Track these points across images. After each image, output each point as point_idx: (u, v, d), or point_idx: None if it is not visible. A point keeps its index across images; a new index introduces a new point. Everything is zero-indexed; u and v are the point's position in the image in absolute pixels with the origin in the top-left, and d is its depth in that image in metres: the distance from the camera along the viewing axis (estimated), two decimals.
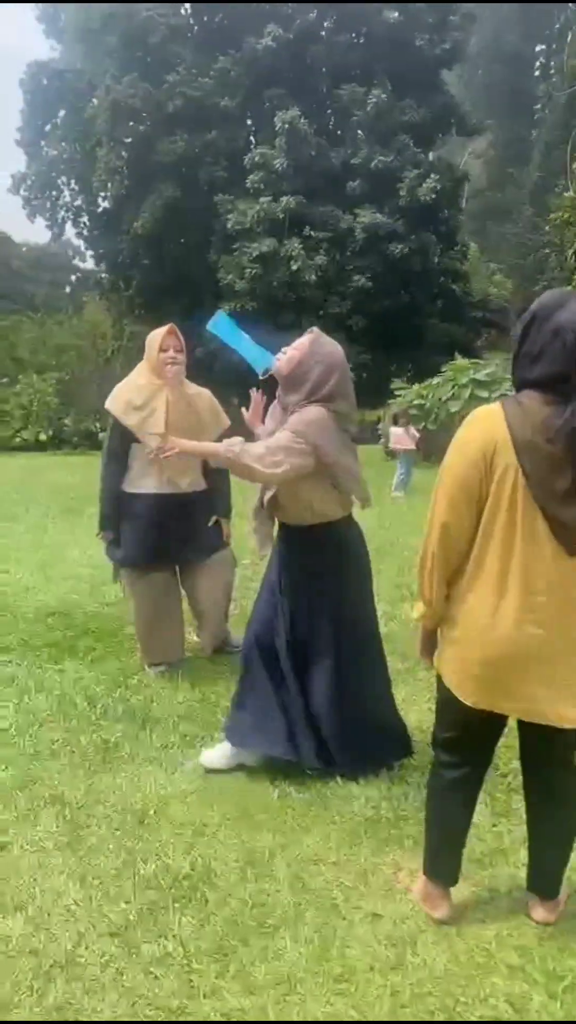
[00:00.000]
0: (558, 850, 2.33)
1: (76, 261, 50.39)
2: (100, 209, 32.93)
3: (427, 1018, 2.01)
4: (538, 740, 2.21)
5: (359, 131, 28.91)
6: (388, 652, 4.77)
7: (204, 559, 4.35)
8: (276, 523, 3.36)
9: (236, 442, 3.07)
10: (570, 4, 35.33)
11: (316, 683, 3.25)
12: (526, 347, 2.04)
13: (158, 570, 4.31)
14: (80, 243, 40.24)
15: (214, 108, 28.13)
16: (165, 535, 4.18)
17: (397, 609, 5.57)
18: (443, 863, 2.37)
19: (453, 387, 16.95)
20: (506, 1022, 2.01)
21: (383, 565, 6.72)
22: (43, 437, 26.58)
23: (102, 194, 31.46)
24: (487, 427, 2.04)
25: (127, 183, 28.94)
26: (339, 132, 30.16)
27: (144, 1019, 2.01)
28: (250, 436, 3.24)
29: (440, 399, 17.00)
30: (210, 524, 4.32)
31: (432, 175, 27.00)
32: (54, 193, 34.70)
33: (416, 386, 18.54)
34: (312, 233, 27.01)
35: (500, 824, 2.87)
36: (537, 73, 44.01)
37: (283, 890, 2.50)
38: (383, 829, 2.84)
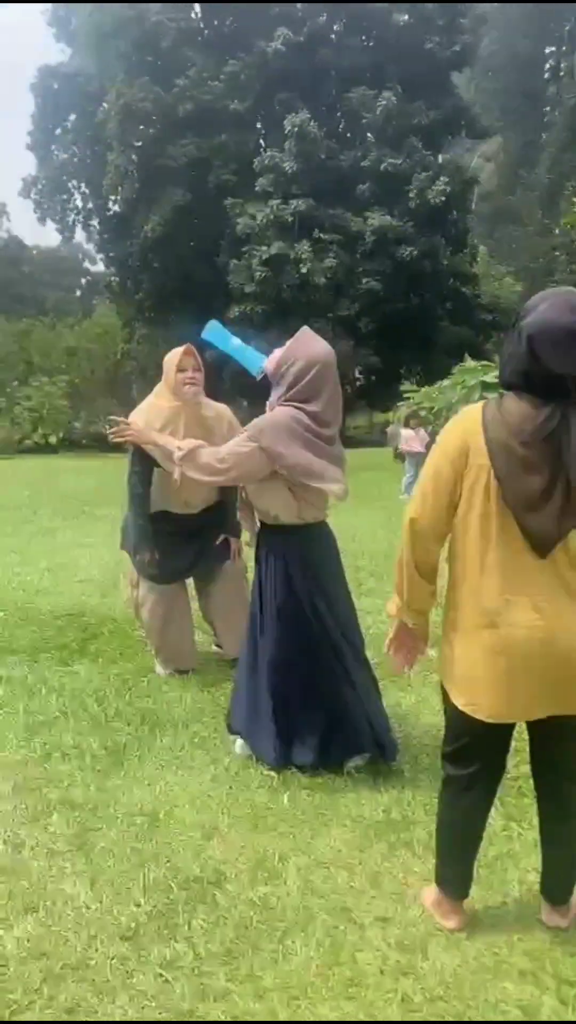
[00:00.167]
0: (570, 856, 2.32)
1: (86, 264, 50.68)
2: (110, 212, 33.04)
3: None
4: (547, 746, 2.20)
5: (369, 134, 28.95)
6: None
7: (215, 571, 4.38)
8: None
9: (188, 445, 3.19)
10: None
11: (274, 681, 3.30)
12: (508, 348, 2.05)
13: (168, 582, 4.36)
14: (90, 246, 40.47)
15: (224, 111, 28.20)
16: (181, 553, 4.26)
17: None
18: (454, 877, 2.35)
19: (462, 389, 16.90)
20: None
21: (390, 568, 6.72)
22: (53, 440, 26.70)
23: (112, 197, 31.56)
24: (466, 427, 2.06)
25: (137, 186, 29.04)
26: (349, 135, 30.20)
27: (154, 1022, 2.01)
28: None
29: (449, 401, 16.96)
30: (218, 542, 4.32)
31: (442, 178, 26.99)
32: (64, 197, 34.86)
33: (425, 388, 18.50)
34: (321, 236, 27.03)
35: (511, 827, 2.86)
36: (547, 75, 43.97)
37: (293, 893, 2.49)
38: (393, 833, 2.83)
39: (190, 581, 4.57)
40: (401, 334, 28.35)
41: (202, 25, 31.27)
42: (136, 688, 4.24)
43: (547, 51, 44.06)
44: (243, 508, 3.45)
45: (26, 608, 5.87)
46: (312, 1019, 2.01)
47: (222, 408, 4.29)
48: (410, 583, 2.24)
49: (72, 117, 33.12)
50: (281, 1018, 2.01)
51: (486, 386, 16.52)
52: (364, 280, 27.15)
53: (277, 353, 3.16)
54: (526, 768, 2.48)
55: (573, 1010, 2.04)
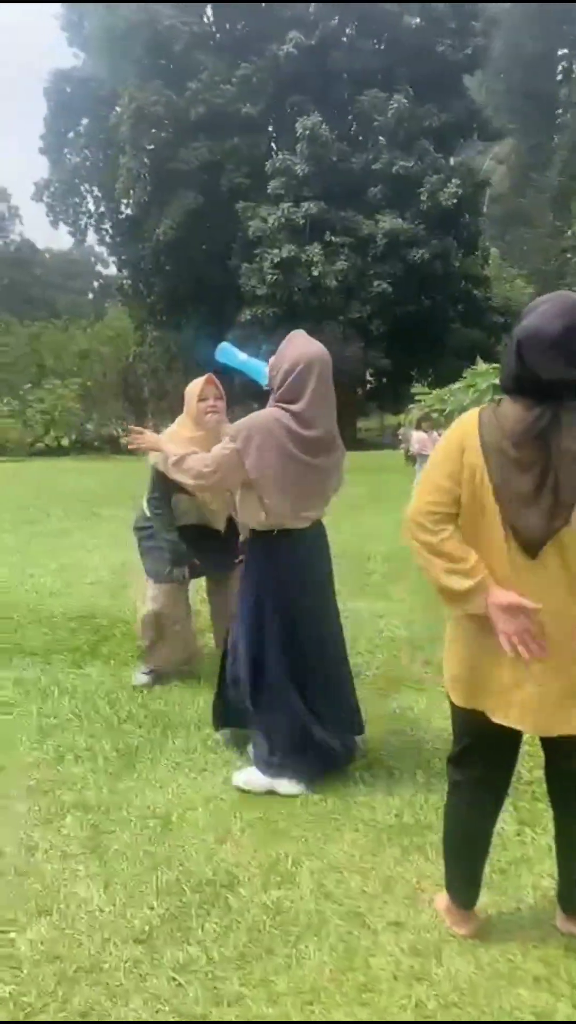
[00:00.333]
0: None
1: (98, 267, 50.92)
2: (123, 216, 33.17)
3: None
4: (559, 753, 2.19)
5: (380, 136, 28.94)
6: (410, 659, 4.77)
7: (225, 574, 4.39)
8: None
9: (180, 451, 3.32)
10: None
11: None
12: (505, 353, 2.08)
13: (182, 579, 4.38)
14: (102, 250, 40.71)
15: (236, 115, 28.26)
16: (197, 556, 4.32)
17: (417, 615, 5.56)
18: (462, 885, 2.33)
19: (474, 392, 16.87)
20: None
21: (403, 571, 6.71)
22: (65, 442, 26.80)
23: (124, 201, 31.67)
24: (464, 429, 2.09)
25: (149, 190, 29.13)
26: (360, 138, 30.20)
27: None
28: None
29: (461, 404, 16.92)
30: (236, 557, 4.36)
31: (453, 180, 26.98)
32: (77, 200, 35.01)
33: (437, 391, 18.48)
34: (333, 239, 27.04)
35: (524, 833, 2.84)
36: (559, 77, 43.87)
37: (306, 898, 2.49)
38: (406, 837, 2.83)
39: (193, 584, 4.61)
40: (412, 336, 28.33)
41: (214, 29, 31.35)
42: (148, 691, 4.25)
43: (559, 53, 43.96)
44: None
45: (38, 610, 5.89)
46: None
47: None
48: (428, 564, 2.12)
49: (84, 121, 33.27)
50: None
51: (498, 389, 16.46)
52: (375, 283, 27.14)
53: (271, 359, 3.20)
54: (539, 773, 2.47)
55: None
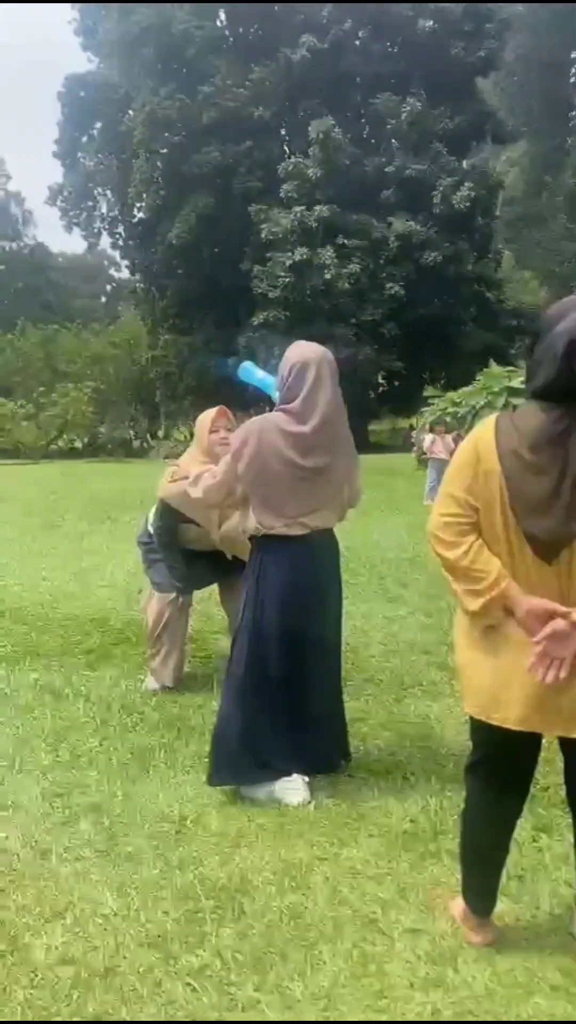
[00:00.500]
0: None
1: (112, 271, 51.13)
2: (136, 220, 33.34)
3: None
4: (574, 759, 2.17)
5: (393, 140, 28.98)
6: (425, 664, 4.75)
7: (237, 580, 4.39)
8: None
9: (194, 472, 3.38)
10: None
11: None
12: (535, 356, 2.05)
13: (189, 590, 4.42)
14: (116, 253, 40.87)
15: (249, 119, 28.36)
16: (207, 566, 4.33)
17: (433, 619, 5.53)
18: (478, 893, 2.30)
19: (487, 395, 16.84)
20: None
21: (416, 575, 6.69)
22: (78, 445, 26.95)
23: (137, 205, 31.84)
24: (480, 436, 2.08)
25: (162, 194, 29.28)
26: (373, 141, 30.25)
27: None
28: None
29: (474, 407, 16.89)
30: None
31: (466, 183, 26.98)
32: (90, 204, 35.23)
33: (450, 393, 18.45)
34: (345, 242, 27.07)
35: (541, 839, 2.82)
36: (573, 79, 43.68)
37: (321, 903, 2.47)
38: (421, 843, 2.81)
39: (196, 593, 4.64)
40: (425, 339, 28.32)
41: (227, 33, 31.48)
42: (162, 694, 4.25)
43: (573, 55, 43.78)
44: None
45: (53, 613, 5.91)
46: None
47: None
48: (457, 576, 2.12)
49: (98, 125, 33.49)
50: None
51: (512, 392, 16.45)
52: (388, 286, 27.15)
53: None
54: (555, 778, 2.45)
55: None
